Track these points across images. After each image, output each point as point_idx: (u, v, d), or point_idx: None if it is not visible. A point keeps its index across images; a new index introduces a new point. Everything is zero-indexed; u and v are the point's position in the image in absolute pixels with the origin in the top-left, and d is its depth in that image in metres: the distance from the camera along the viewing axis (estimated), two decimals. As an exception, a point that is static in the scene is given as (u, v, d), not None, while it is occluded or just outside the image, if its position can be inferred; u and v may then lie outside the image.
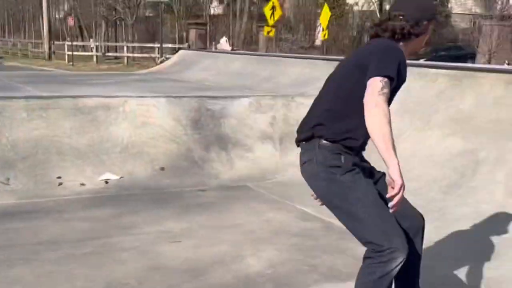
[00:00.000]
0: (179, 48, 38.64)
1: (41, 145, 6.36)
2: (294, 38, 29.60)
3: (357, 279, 2.66)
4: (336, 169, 2.65)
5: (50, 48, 39.74)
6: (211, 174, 6.75)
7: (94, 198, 5.73)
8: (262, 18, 43.83)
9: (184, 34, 42.30)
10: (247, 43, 37.51)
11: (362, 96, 2.54)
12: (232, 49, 16.11)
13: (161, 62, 26.56)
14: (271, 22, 21.95)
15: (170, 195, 6.00)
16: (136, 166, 6.56)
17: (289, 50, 29.20)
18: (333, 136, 2.67)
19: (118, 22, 48.62)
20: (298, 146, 2.84)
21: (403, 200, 2.49)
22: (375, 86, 2.52)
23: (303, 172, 2.79)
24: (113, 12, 38.22)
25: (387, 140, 2.44)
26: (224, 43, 18.62)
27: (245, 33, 40.00)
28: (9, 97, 6.84)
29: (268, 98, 8.08)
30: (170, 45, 40.59)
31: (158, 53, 32.87)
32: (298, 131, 2.85)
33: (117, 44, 43.14)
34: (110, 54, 38.35)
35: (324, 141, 2.69)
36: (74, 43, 40.58)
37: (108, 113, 6.96)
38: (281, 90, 9.06)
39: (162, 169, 6.66)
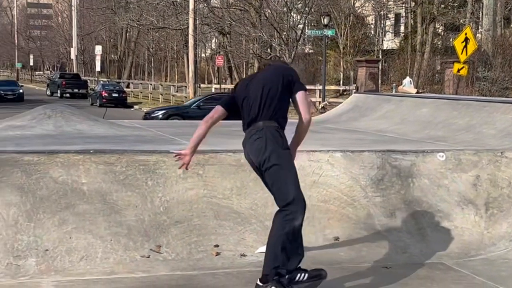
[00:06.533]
0: (344, 91, 39.13)
1: (196, 208, 6.61)
2: (497, 77, 28.73)
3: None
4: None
5: (195, 92, 41.83)
6: (397, 247, 6.64)
7: (257, 273, 5.79)
8: (447, 52, 43.21)
9: (351, 73, 42.78)
10: (428, 83, 37.07)
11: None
12: (417, 92, 15.97)
13: (322, 107, 26.96)
14: (462, 57, 21.60)
15: (345, 271, 5.94)
16: (305, 234, 6.50)
17: (488, 92, 28.37)
18: None
19: (273, 61, 50.20)
20: None
21: None
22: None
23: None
24: (268, 50, 39.58)
25: None
26: (408, 84, 18.57)
27: (426, 71, 39.61)
28: (163, 151, 7.21)
29: (470, 153, 7.88)
30: (333, 87, 41.18)
31: (320, 97, 33.35)
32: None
33: (271, 86, 44.46)
34: (263, 98, 39.50)
35: None
36: (223, 86, 42.57)
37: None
38: (486, 142, 8.84)
39: (337, 239, 6.67)
